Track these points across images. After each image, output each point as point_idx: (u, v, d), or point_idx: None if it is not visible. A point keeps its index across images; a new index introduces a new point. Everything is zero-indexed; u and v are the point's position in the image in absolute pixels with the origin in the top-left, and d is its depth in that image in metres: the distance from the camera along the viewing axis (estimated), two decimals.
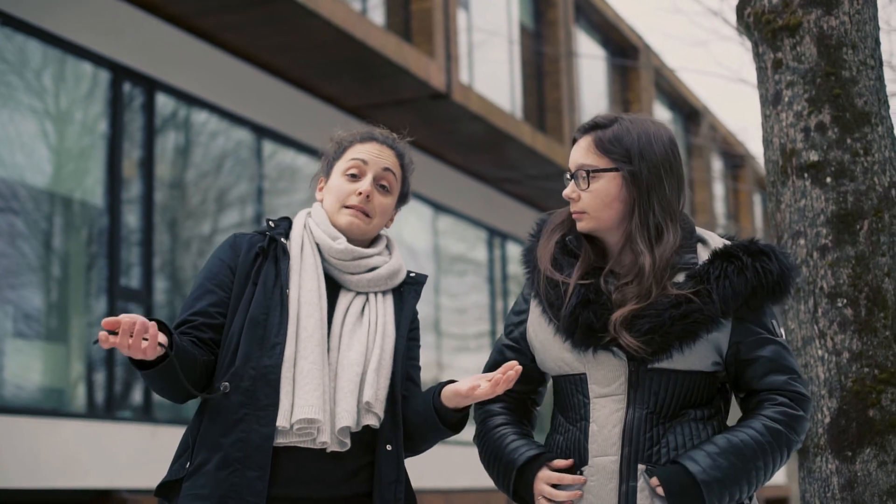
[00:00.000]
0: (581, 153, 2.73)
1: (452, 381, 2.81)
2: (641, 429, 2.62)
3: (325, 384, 2.74)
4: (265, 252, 2.84)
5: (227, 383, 2.70)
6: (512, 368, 2.64)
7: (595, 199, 2.70)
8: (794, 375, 2.66)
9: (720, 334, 2.63)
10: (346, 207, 2.89)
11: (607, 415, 2.65)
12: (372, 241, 2.98)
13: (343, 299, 2.87)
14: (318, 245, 2.88)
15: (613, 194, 2.69)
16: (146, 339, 2.48)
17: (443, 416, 2.81)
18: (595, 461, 2.64)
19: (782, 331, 2.74)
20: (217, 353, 2.78)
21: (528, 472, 2.72)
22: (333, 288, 2.89)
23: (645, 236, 2.66)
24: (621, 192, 2.68)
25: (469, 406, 2.82)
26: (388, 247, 3.01)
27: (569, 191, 2.74)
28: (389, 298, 2.93)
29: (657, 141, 2.71)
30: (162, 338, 2.55)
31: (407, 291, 2.99)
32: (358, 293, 2.90)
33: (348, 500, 2.78)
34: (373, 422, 2.78)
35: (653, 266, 2.64)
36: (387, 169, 2.94)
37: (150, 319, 2.52)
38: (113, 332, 2.45)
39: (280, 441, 2.70)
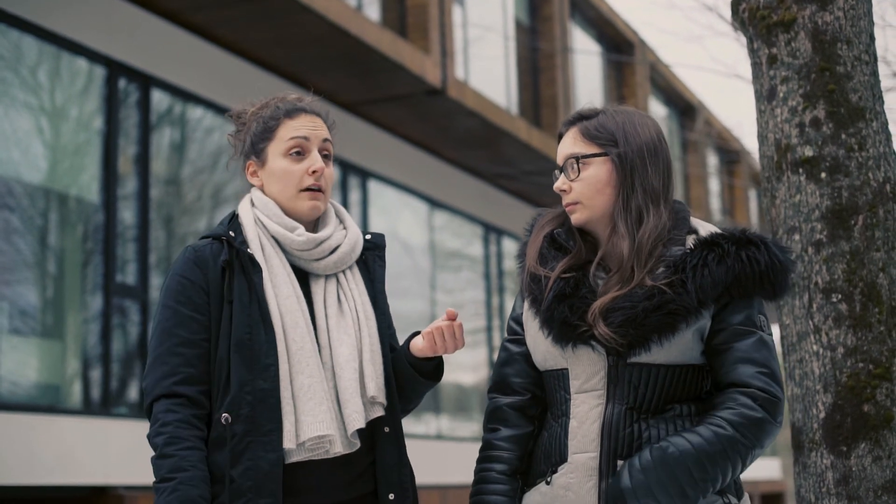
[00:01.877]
0: (568, 144, 2.75)
1: (418, 333, 2.82)
2: (621, 424, 2.59)
3: (329, 392, 2.69)
4: (230, 265, 2.73)
5: (227, 415, 2.63)
6: (452, 316, 2.73)
7: (587, 187, 2.70)
8: (764, 370, 2.58)
9: (704, 323, 2.60)
10: (304, 191, 2.81)
11: (586, 411, 2.63)
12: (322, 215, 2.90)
13: (316, 288, 2.80)
14: (275, 239, 2.79)
15: (604, 179, 2.69)
16: None
17: (419, 368, 2.80)
18: (574, 458, 2.62)
19: (771, 327, 2.70)
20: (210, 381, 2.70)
21: None
22: (302, 277, 2.81)
23: (626, 219, 2.66)
24: (612, 176, 2.69)
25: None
26: (338, 215, 2.92)
27: (559, 183, 2.74)
28: (357, 273, 2.87)
29: (641, 126, 2.72)
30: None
31: (371, 259, 2.91)
32: (328, 276, 2.82)
33: (355, 503, 2.75)
34: (381, 412, 2.75)
35: (631, 249, 2.63)
36: (326, 140, 2.87)
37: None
38: None
39: (293, 459, 2.65)
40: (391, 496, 2.75)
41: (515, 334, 2.83)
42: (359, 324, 2.78)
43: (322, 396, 2.67)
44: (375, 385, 2.73)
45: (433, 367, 2.83)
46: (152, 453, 2.67)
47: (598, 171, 2.69)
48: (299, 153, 2.83)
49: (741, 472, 2.59)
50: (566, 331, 2.63)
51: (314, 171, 2.80)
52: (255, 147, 2.87)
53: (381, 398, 2.75)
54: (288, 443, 2.63)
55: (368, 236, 2.94)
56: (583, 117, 2.75)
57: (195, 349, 2.68)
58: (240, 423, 2.63)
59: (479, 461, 2.80)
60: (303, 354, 2.69)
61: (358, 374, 2.73)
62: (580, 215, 2.72)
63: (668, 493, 2.50)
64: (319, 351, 2.74)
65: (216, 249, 2.76)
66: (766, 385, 2.57)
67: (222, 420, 2.63)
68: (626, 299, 2.58)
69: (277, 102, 2.90)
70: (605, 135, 2.70)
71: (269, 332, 2.68)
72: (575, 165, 2.71)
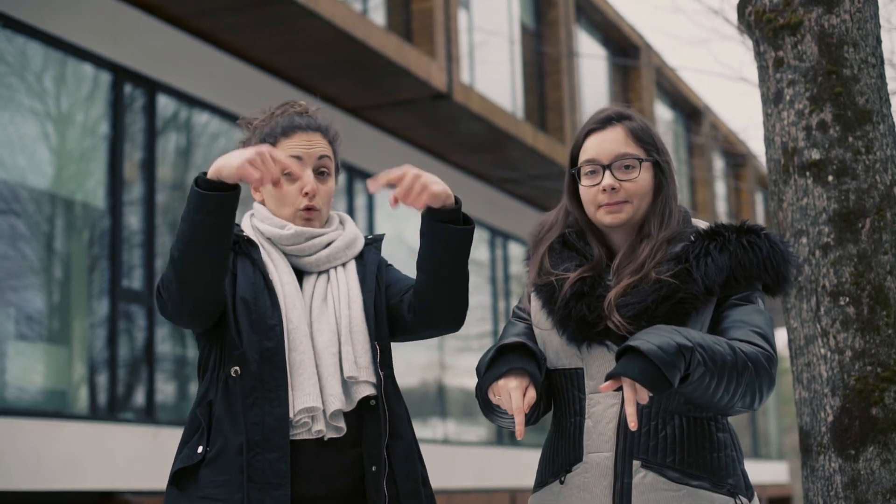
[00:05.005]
0: (619, 143, 2.72)
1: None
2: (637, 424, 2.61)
3: (315, 372, 2.74)
4: (234, 249, 2.82)
5: (237, 367, 2.69)
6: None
7: (638, 188, 2.71)
8: (758, 330, 2.58)
9: (709, 313, 2.63)
10: (300, 211, 2.87)
11: (602, 410, 2.64)
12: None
13: (307, 286, 2.86)
14: (270, 241, 2.87)
15: (650, 184, 2.73)
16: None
17: (442, 217, 2.74)
18: (589, 457, 2.63)
19: (773, 326, 2.71)
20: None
21: (503, 360, 2.65)
22: (297, 277, 2.87)
23: (657, 223, 2.70)
24: (653, 182, 2.74)
25: (452, 198, 2.74)
26: (341, 222, 2.98)
27: (611, 181, 2.70)
28: (352, 266, 2.91)
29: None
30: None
31: (367, 251, 2.96)
32: (320, 273, 2.88)
33: (345, 495, 2.75)
34: (369, 391, 2.77)
35: (653, 250, 2.67)
36: (322, 156, 2.91)
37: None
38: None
39: None
40: (373, 468, 2.76)
41: (520, 317, 2.86)
42: (339, 310, 2.82)
43: (312, 372, 2.72)
44: (351, 365, 2.75)
45: (454, 211, 2.76)
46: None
47: (647, 175, 2.74)
48: (293, 174, 2.87)
49: (742, 405, 2.53)
50: (583, 329, 2.64)
51: (306, 193, 2.86)
52: None
53: (364, 376, 2.76)
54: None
55: (370, 236, 3.01)
56: (624, 117, 2.76)
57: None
58: (248, 378, 2.69)
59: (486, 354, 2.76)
60: (298, 333, 2.75)
61: (337, 358, 2.77)
62: (624, 215, 2.71)
63: (679, 353, 2.40)
64: None
65: None
66: (760, 342, 2.57)
67: (232, 373, 2.70)
68: (635, 294, 2.61)
69: (278, 117, 2.95)
70: (651, 140, 2.75)
71: (274, 299, 2.75)
72: (636, 165, 2.71)
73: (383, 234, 3.05)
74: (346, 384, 2.76)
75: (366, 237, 3.00)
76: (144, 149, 9.01)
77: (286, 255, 2.87)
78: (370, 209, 12.11)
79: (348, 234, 2.92)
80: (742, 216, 23.32)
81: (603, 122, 2.75)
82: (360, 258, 2.95)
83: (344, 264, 2.90)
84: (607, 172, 2.70)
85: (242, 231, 2.90)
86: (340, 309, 2.82)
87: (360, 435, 2.77)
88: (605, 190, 2.70)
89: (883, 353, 3.35)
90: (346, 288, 2.85)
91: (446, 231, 2.77)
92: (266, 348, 2.71)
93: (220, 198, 2.60)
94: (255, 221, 2.92)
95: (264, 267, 2.80)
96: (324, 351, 2.76)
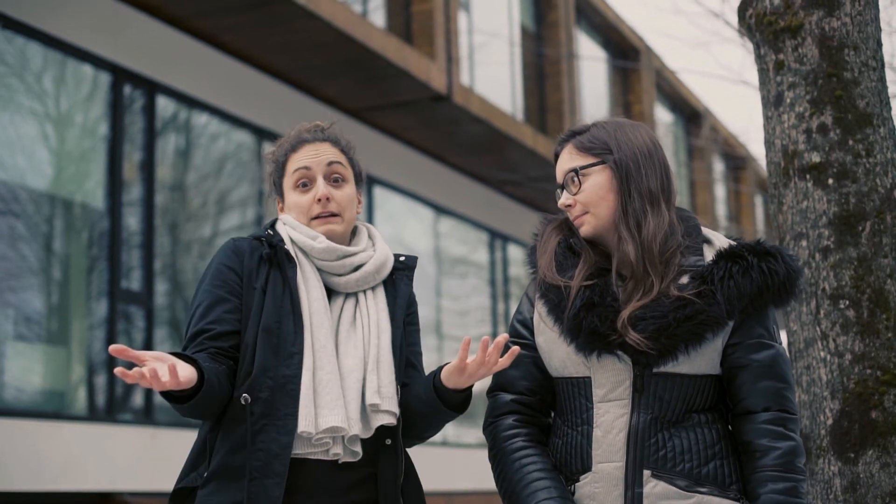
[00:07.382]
0: (565, 160, 2.77)
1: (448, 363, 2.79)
2: (646, 434, 2.60)
3: (340, 394, 2.73)
4: (270, 259, 2.82)
5: (247, 395, 2.68)
6: (505, 341, 2.64)
7: (589, 196, 2.72)
8: (786, 386, 2.64)
9: (724, 335, 2.63)
10: (314, 219, 2.88)
11: (611, 420, 2.63)
12: (352, 236, 2.96)
13: (335, 306, 2.86)
14: (302, 250, 2.87)
15: (606, 186, 2.71)
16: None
17: (445, 397, 2.78)
18: (599, 467, 2.63)
19: (783, 336, 2.72)
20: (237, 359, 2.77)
21: None
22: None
23: (627, 224, 2.68)
24: (612, 182, 2.71)
25: (471, 385, 2.78)
26: (370, 237, 2.98)
27: (564, 199, 2.76)
28: (380, 293, 2.91)
29: (633, 131, 2.76)
30: (188, 370, 2.53)
31: (399, 278, 2.95)
32: (348, 295, 2.88)
33: None
34: (388, 420, 2.76)
35: (637, 252, 2.65)
36: (331, 163, 2.92)
37: (173, 353, 2.54)
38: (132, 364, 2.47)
39: (296, 452, 2.69)
40: None
41: (521, 337, 2.81)
42: (368, 337, 2.82)
43: (338, 394, 2.72)
44: (374, 393, 2.75)
45: (460, 401, 2.82)
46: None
47: (599, 179, 2.72)
48: (305, 184, 2.91)
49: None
50: (594, 339, 2.63)
51: (319, 200, 2.87)
52: (276, 185, 3.00)
53: (385, 405, 2.76)
54: (306, 426, 2.66)
55: (402, 258, 2.99)
56: (575, 133, 2.80)
57: (226, 325, 2.76)
58: (257, 405, 2.68)
59: (497, 455, 2.77)
60: (325, 353, 2.75)
61: (360, 384, 2.77)
62: (588, 226, 2.73)
63: None
64: None
65: (255, 245, 2.86)
66: (787, 404, 2.63)
67: (242, 400, 2.68)
68: (654, 308, 2.60)
69: (288, 138, 2.99)
70: (598, 144, 2.74)
71: (298, 323, 2.75)
72: (575, 178, 2.74)
73: (416, 259, 3.03)
74: (366, 412, 2.76)
75: (396, 258, 2.98)
76: (144, 150, 9.01)
77: (318, 269, 2.86)
78: (370, 211, 12.11)
79: (379, 257, 2.91)
80: (742, 219, 23.33)
81: (560, 143, 2.82)
82: (390, 282, 2.94)
83: (373, 288, 2.91)
84: (565, 192, 2.75)
85: (282, 241, 2.88)
86: (369, 336, 2.82)
87: (373, 457, 2.78)
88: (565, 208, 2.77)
89: (883, 357, 3.35)
90: (375, 317, 2.85)
91: (448, 415, 2.84)
92: (283, 375, 2.71)
93: (181, 409, 2.65)
94: (288, 230, 2.90)
95: (296, 288, 2.79)
96: (348, 375, 2.77)
